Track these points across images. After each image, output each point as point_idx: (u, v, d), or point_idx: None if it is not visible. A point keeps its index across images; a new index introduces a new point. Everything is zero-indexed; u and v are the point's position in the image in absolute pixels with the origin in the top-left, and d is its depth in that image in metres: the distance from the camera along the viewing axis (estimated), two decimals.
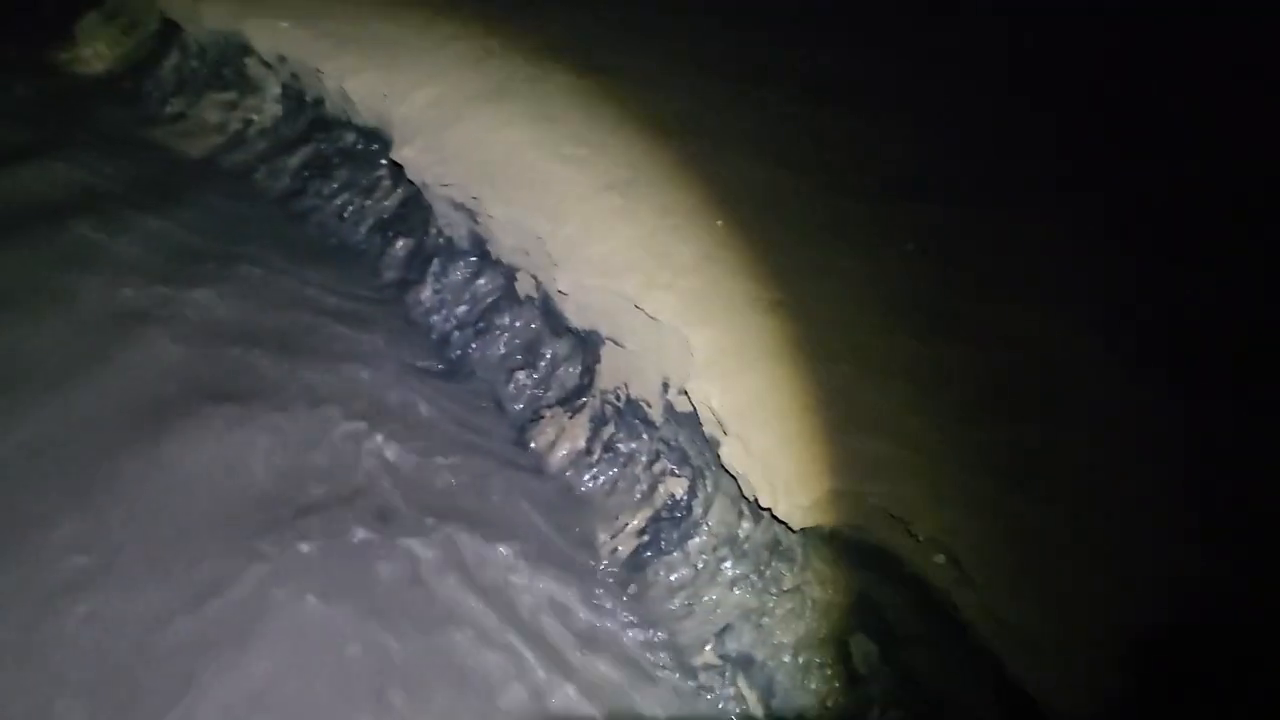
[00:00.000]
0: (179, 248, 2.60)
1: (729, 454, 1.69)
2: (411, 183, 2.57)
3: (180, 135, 3.04)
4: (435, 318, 2.48)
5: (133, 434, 1.92)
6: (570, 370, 2.21)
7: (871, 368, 1.71)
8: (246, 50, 3.02)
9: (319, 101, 2.89)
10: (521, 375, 2.29)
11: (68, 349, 2.12)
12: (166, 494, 1.81)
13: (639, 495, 1.98)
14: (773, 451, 1.61)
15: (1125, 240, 2.07)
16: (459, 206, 2.43)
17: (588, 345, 2.15)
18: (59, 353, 2.10)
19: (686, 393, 1.83)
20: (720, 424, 1.74)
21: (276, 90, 2.99)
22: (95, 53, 3.34)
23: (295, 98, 2.94)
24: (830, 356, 1.74)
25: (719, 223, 2.05)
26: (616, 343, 2.06)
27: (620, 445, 2.07)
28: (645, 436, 2.03)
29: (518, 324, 2.36)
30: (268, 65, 2.98)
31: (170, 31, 3.25)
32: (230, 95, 3.04)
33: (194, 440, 1.99)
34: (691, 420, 1.86)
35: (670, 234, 2.01)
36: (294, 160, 2.87)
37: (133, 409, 2.06)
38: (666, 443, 2.00)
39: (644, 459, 2.05)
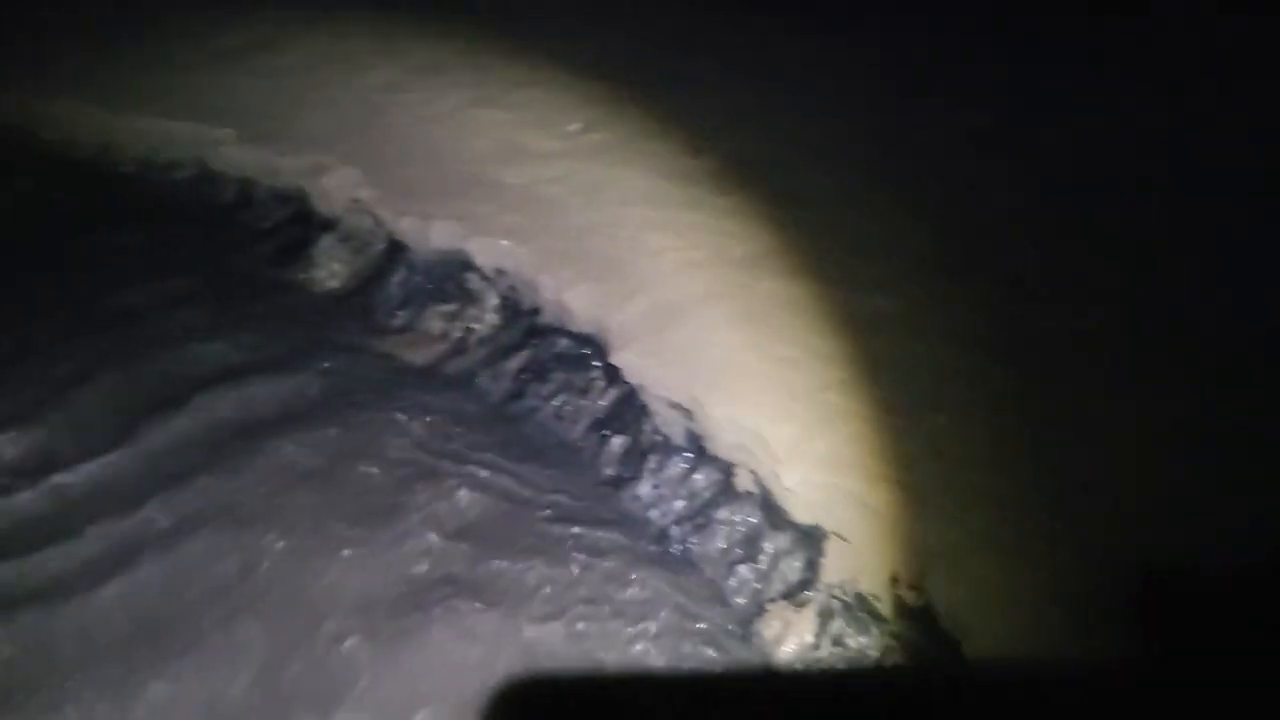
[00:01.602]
0: (407, 446, 3.35)
1: (969, 648, 2.11)
2: (627, 383, 3.26)
3: (406, 345, 3.92)
4: (654, 512, 3.06)
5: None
6: (793, 564, 2.70)
7: None
8: (468, 265, 3.94)
9: (535, 311, 3.71)
10: (743, 569, 2.79)
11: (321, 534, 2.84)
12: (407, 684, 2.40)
13: None
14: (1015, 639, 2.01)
15: None
16: (676, 406, 3.07)
17: (811, 539, 2.65)
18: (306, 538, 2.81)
19: (917, 588, 2.28)
20: (954, 618, 2.17)
21: (495, 301, 3.85)
22: (329, 271, 4.37)
23: (513, 308, 3.77)
24: None
25: (941, 419, 2.55)
26: (841, 537, 2.55)
27: (849, 640, 2.50)
28: (875, 631, 2.46)
29: (737, 518, 2.90)
30: (487, 279, 3.86)
31: (397, 250, 4.25)
32: (452, 306, 3.92)
33: (436, 635, 2.60)
34: (924, 615, 2.29)
35: (891, 432, 2.53)
36: (512, 364, 3.65)
37: (372, 607, 2.71)
38: (897, 637, 2.42)
39: (874, 654, 2.46)
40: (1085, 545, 2.24)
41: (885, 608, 2.48)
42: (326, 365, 3.85)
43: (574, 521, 3.07)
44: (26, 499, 2.99)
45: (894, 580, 2.44)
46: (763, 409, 2.83)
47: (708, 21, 6.00)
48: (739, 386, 2.95)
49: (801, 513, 2.68)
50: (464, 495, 3.15)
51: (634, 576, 2.85)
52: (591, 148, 4.10)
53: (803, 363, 2.98)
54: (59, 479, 3.08)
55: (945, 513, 2.39)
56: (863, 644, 2.53)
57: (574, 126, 4.65)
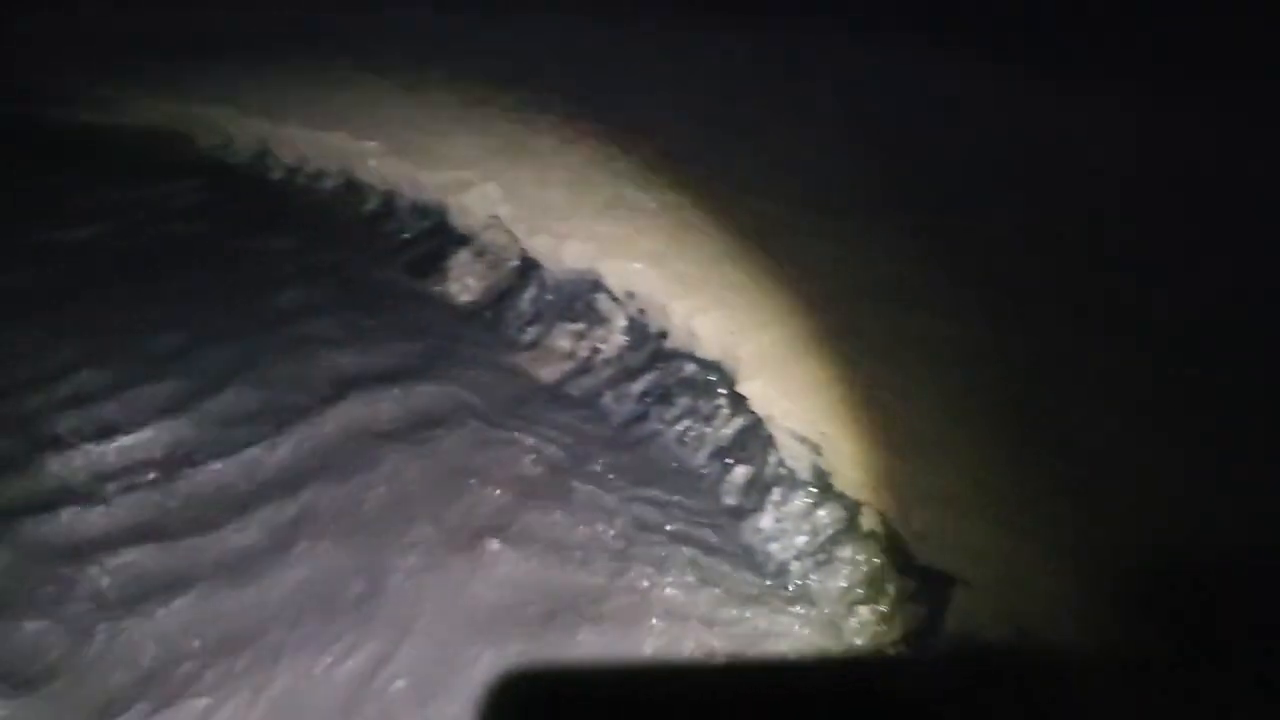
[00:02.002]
0: (530, 461, 3.54)
1: None
2: (754, 414, 3.37)
3: (534, 360, 4.14)
4: (774, 545, 3.16)
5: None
6: (919, 608, 2.75)
7: None
8: (599, 286, 4.13)
9: (663, 334, 3.86)
10: (864, 610, 2.86)
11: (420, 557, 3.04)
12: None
13: None
14: None
15: None
16: (802, 439, 3.17)
17: (936, 584, 2.70)
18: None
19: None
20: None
21: (624, 323, 4.03)
22: (463, 285, 4.65)
23: (641, 330, 3.94)
24: None
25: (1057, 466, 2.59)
26: (967, 583, 2.59)
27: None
28: None
29: (860, 557, 2.96)
30: (617, 300, 4.04)
31: (530, 268, 4.49)
32: (580, 326, 4.12)
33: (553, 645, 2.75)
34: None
35: (1031, 468, 2.57)
36: (637, 387, 3.81)
37: (477, 624, 2.88)
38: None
39: None
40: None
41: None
42: (457, 377, 4.11)
43: (694, 546, 3.19)
44: (186, 485, 3.32)
45: (1019, 631, 2.46)
46: (893, 446, 2.90)
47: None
48: (871, 423, 3.02)
49: (927, 556, 2.73)
50: (585, 516, 3.31)
51: (748, 614, 2.95)
52: (729, 177, 4.25)
53: (937, 405, 3.03)
54: (214, 467, 3.40)
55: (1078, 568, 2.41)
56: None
57: (713, 156, 4.83)
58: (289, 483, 3.43)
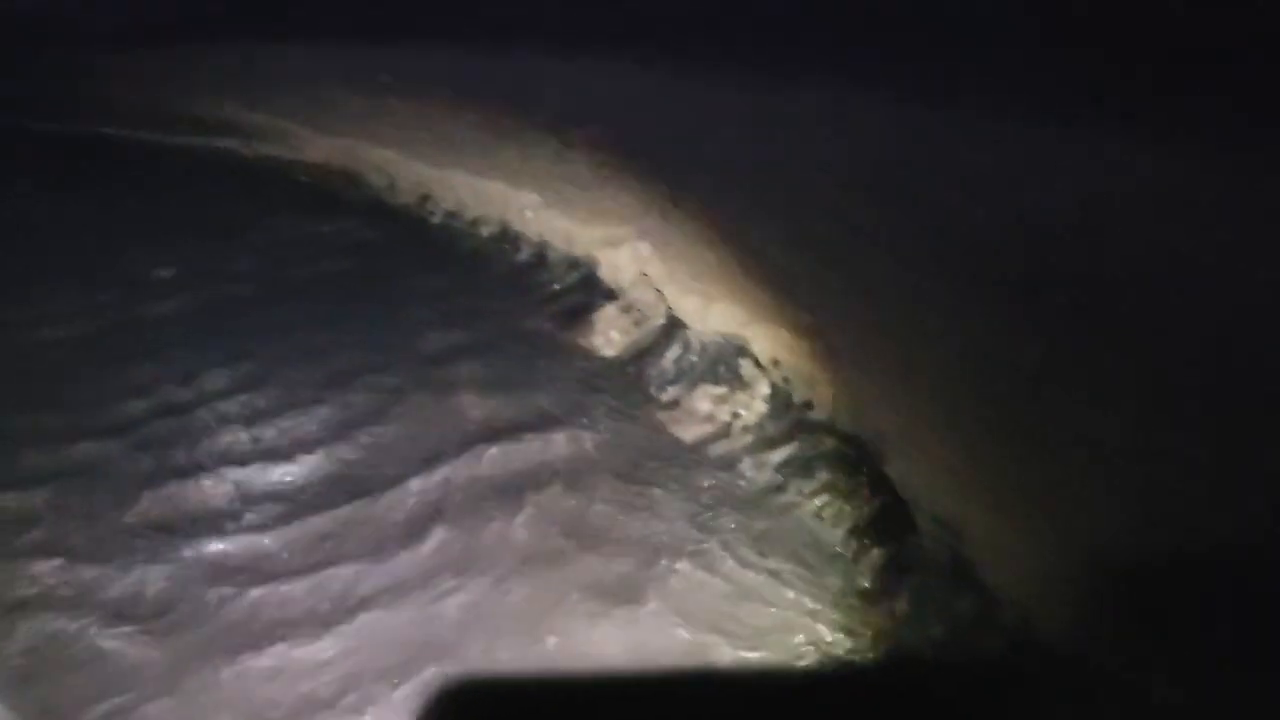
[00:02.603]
0: (663, 521, 3.62)
1: None
2: (896, 495, 3.36)
3: (673, 420, 4.23)
4: (907, 631, 3.13)
5: None
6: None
7: None
8: (744, 351, 4.21)
9: (808, 405, 3.90)
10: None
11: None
12: None
13: None
14: None
15: None
16: (946, 525, 3.14)
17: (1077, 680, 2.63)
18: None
19: None
20: None
21: (766, 390, 4.09)
22: (607, 339, 4.81)
23: (784, 399, 3.99)
24: None
25: None
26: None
27: None
28: None
29: (999, 654, 2.91)
30: (762, 367, 4.10)
31: (675, 326, 4.61)
32: (723, 389, 4.21)
33: None
34: None
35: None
36: (777, 456, 3.86)
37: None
38: None
39: None
40: None
41: None
42: (597, 430, 4.25)
43: (828, 626, 3.20)
44: (342, 514, 3.56)
45: None
46: (1035, 541, 2.86)
47: None
48: (1015, 512, 2.99)
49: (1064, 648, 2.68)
50: (710, 582, 3.38)
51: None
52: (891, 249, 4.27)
53: (1088, 497, 2.97)
54: (365, 499, 3.64)
55: None
56: None
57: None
58: (432, 520, 3.62)
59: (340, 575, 3.28)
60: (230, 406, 4.37)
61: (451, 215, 6.64)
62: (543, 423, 4.22)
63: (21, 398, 4.51)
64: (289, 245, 6.48)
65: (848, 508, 3.64)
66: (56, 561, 3.37)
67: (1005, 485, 3.09)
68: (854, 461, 3.74)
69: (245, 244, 6.57)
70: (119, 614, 3.16)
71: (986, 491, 3.13)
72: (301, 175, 8.26)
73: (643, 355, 4.76)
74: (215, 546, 3.43)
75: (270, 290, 5.68)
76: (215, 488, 3.75)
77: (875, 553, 3.47)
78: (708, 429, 4.22)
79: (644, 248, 4.96)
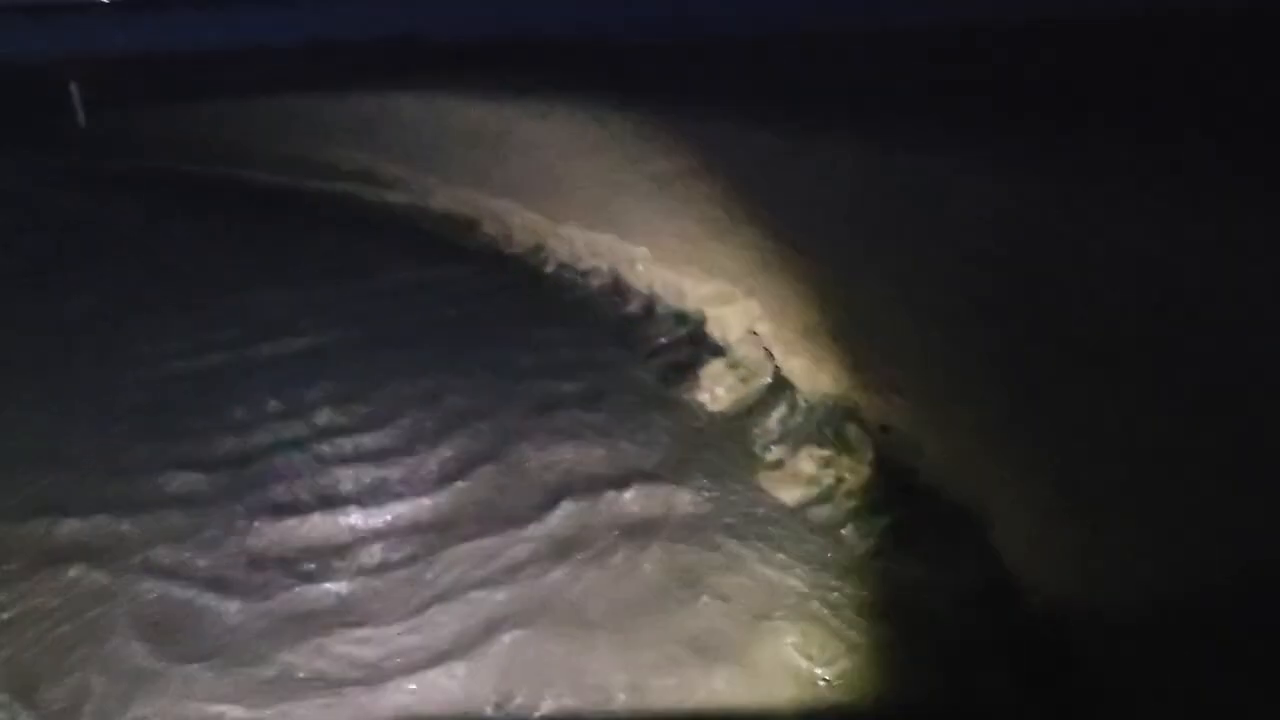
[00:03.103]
0: (764, 581, 3.63)
1: None
2: (1002, 568, 3.30)
3: (776, 480, 4.25)
4: (1002, 698, 3.07)
5: None
6: None
7: None
8: (852, 415, 4.20)
9: (913, 471, 3.87)
10: None
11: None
12: None
13: None
14: None
15: None
16: (1052, 602, 3.07)
17: None
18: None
19: None
20: None
21: (871, 455, 4.06)
22: (713, 395, 4.86)
23: (890, 465, 3.96)
24: None
25: None
26: None
27: None
28: None
29: None
30: (869, 433, 4.09)
31: (782, 386, 4.65)
32: (828, 452, 4.20)
33: None
34: None
35: None
36: (880, 522, 3.83)
37: None
38: None
39: None
40: None
41: None
42: (700, 487, 4.30)
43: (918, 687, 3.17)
44: (448, 554, 3.70)
45: None
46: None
47: None
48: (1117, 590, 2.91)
49: None
50: (806, 647, 3.37)
51: None
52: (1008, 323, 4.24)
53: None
54: (472, 542, 3.77)
55: None
56: None
57: None
58: (534, 564, 3.72)
59: (439, 619, 3.39)
60: (344, 445, 4.59)
61: (564, 266, 6.85)
62: (645, 477, 4.29)
63: (147, 428, 4.84)
64: (406, 289, 6.79)
65: (951, 578, 3.58)
66: (174, 586, 3.58)
67: (1133, 576, 3.02)
68: (959, 531, 3.69)
69: (365, 287, 6.92)
70: (221, 643, 3.34)
71: (1109, 580, 3.06)
72: (423, 222, 8.65)
73: (748, 413, 4.80)
74: (325, 584, 3.58)
75: (386, 332, 5.96)
76: (328, 524, 3.94)
77: (978, 625, 3.40)
78: (811, 491, 4.22)
79: (754, 305, 5.03)
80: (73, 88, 17.40)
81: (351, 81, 12.08)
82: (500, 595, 3.53)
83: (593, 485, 4.16)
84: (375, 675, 3.15)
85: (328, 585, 3.59)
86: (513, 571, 3.66)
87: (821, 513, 4.10)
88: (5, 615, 3.44)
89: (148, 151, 12.62)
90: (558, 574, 3.64)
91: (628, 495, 4.06)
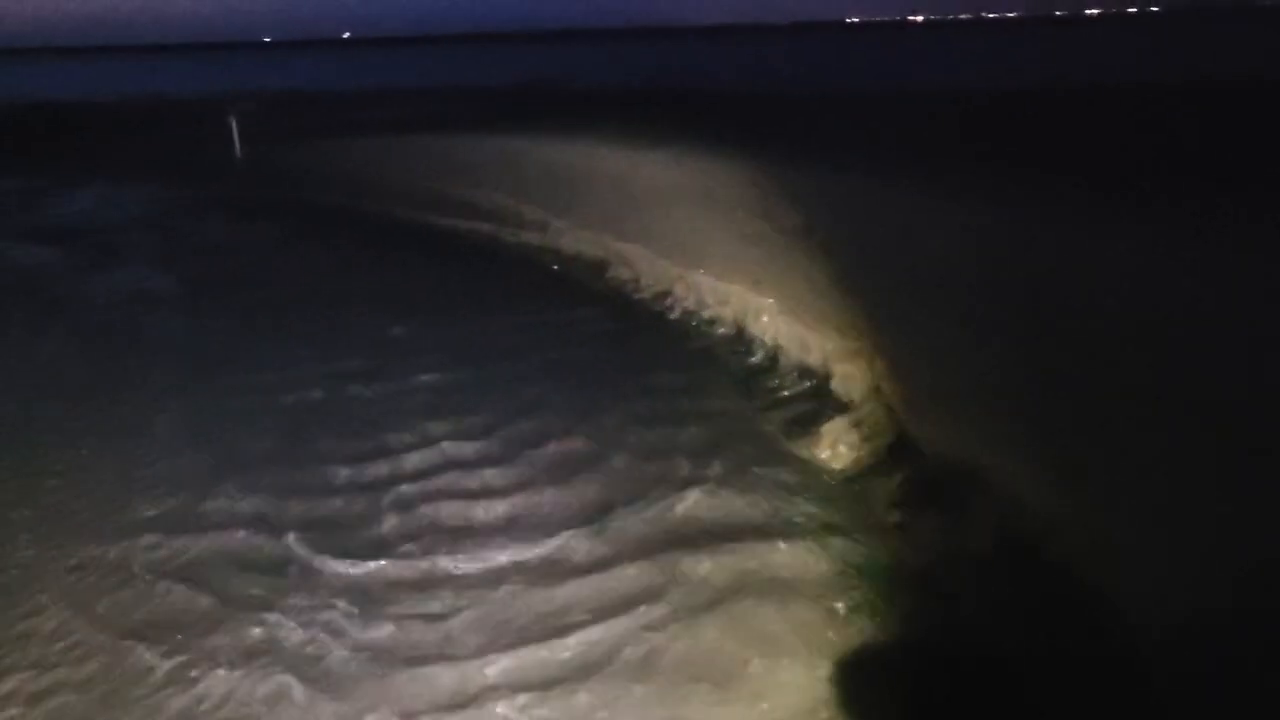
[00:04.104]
0: (883, 648, 3.61)
1: None
2: (1136, 647, 3.21)
3: (898, 544, 4.21)
4: None
5: None
6: None
7: None
8: (977, 480, 4.16)
9: (1037, 549, 3.80)
10: None
11: None
12: None
13: None
14: None
15: None
16: None
17: None
18: None
19: None
20: None
21: (995, 522, 4.01)
22: (834, 453, 4.88)
23: (1015, 538, 3.90)
24: None
25: None
26: None
27: None
28: None
29: None
30: (995, 500, 4.04)
31: (905, 447, 4.62)
32: (950, 519, 4.15)
33: None
34: None
35: None
36: (1004, 591, 3.76)
37: None
38: None
39: None
40: None
41: None
42: (818, 547, 4.30)
43: None
44: (563, 593, 3.83)
45: None
46: None
47: None
48: None
49: None
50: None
51: None
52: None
53: None
54: (585, 580, 3.89)
55: None
56: None
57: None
58: (639, 608, 3.80)
59: (537, 654, 3.51)
60: (463, 480, 4.80)
61: (689, 313, 6.99)
62: (763, 531, 4.32)
63: (276, 454, 5.15)
64: (533, 328, 7.06)
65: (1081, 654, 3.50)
66: (296, 608, 3.80)
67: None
68: (1087, 609, 3.61)
69: (493, 324, 7.22)
70: (333, 672, 3.53)
71: None
72: (553, 262, 8.95)
73: (870, 473, 4.79)
74: (435, 615, 3.75)
75: (511, 371, 6.20)
76: (443, 557, 4.12)
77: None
78: (931, 557, 4.17)
79: (880, 363, 5.03)
80: (231, 122, 18.75)
81: (491, 124, 12.64)
82: (600, 633, 3.61)
83: (706, 536, 4.22)
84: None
85: (438, 616, 3.74)
86: (619, 611, 3.74)
87: (945, 580, 4.06)
88: (112, 631, 3.65)
89: (295, 184, 13.48)
90: (664, 617, 3.70)
91: (747, 552, 4.10)
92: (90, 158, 18.15)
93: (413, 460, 4.98)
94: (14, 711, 3.16)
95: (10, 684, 3.31)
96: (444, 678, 3.40)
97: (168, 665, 3.41)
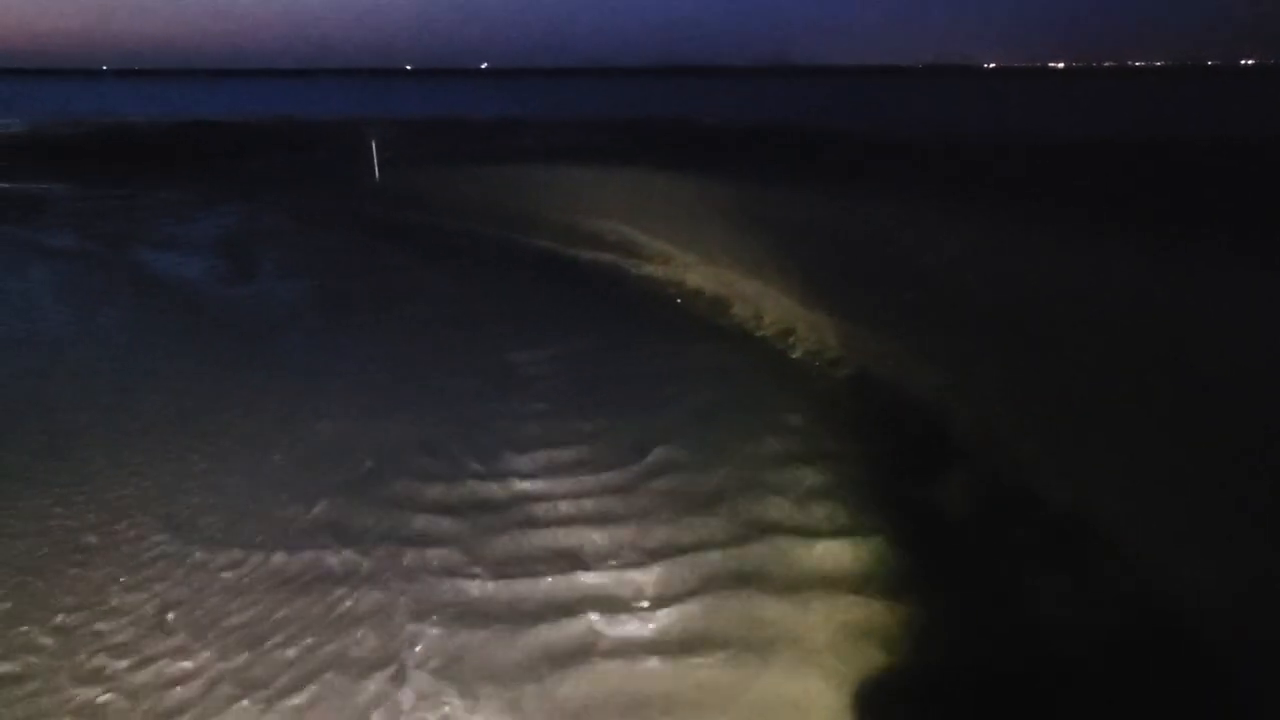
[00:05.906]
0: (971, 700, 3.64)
1: None
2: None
3: (1014, 607, 4.20)
4: None
5: None
6: None
7: None
8: (1093, 534, 4.14)
9: (1179, 615, 3.77)
10: None
11: None
12: None
13: None
14: None
15: None
16: None
17: None
18: None
19: None
20: None
21: (1113, 576, 3.99)
22: (952, 500, 4.89)
23: (1136, 598, 3.88)
24: None
25: None
26: None
27: None
28: None
29: None
30: (1116, 557, 4.02)
31: (1023, 498, 4.67)
32: (1068, 579, 4.15)
33: None
34: None
35: None
36: (1124, 656, 3.74)
37: None
38: None
39: None
40: None
41: None
42: (931, 598, 4.33)
43: None
44: (657, 622, 3.97)
45: None
46: None
47: None
48: None
49: None
50: None
51: None
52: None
53: None
54: (684, 610, 4.03)
55: None
56: None
57: None
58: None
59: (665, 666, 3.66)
60: (577, 508, 4.97)
61: (811, 354, 7.08)
62: (874, 582, 4.35)
63: (402, 469, 5.40)
64: (656, 362, 7.22)
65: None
66: (397, 627, 4.00)
67: None
68: (1204, 666, 3.58)
69: (615, 357, 7.41)
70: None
71: None
72: (677, 296, 9.16)
73: (986, 523, 4.79)
74: (560, 638, 3.93)
75: (633, 406, 6.33)
76: (557, 580, 4.30)
77: None
78: (1047, 612, 4.17)
79: (1002, 409, 5.05)
80: (371, 144, 19.74)
81: (619, 156, 13.02)
82: (700, 654, 3.76)
83: (825, 583, 4.28)
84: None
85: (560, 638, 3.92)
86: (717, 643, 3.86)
87: (1057, 637, 4.06)
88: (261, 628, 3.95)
89: (429, 207, 14.11)
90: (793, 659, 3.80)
91: (859, 601, 4.15)
92: (237, 174, 19.40)
93: (530, 488, 5.16)
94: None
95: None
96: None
97: None
